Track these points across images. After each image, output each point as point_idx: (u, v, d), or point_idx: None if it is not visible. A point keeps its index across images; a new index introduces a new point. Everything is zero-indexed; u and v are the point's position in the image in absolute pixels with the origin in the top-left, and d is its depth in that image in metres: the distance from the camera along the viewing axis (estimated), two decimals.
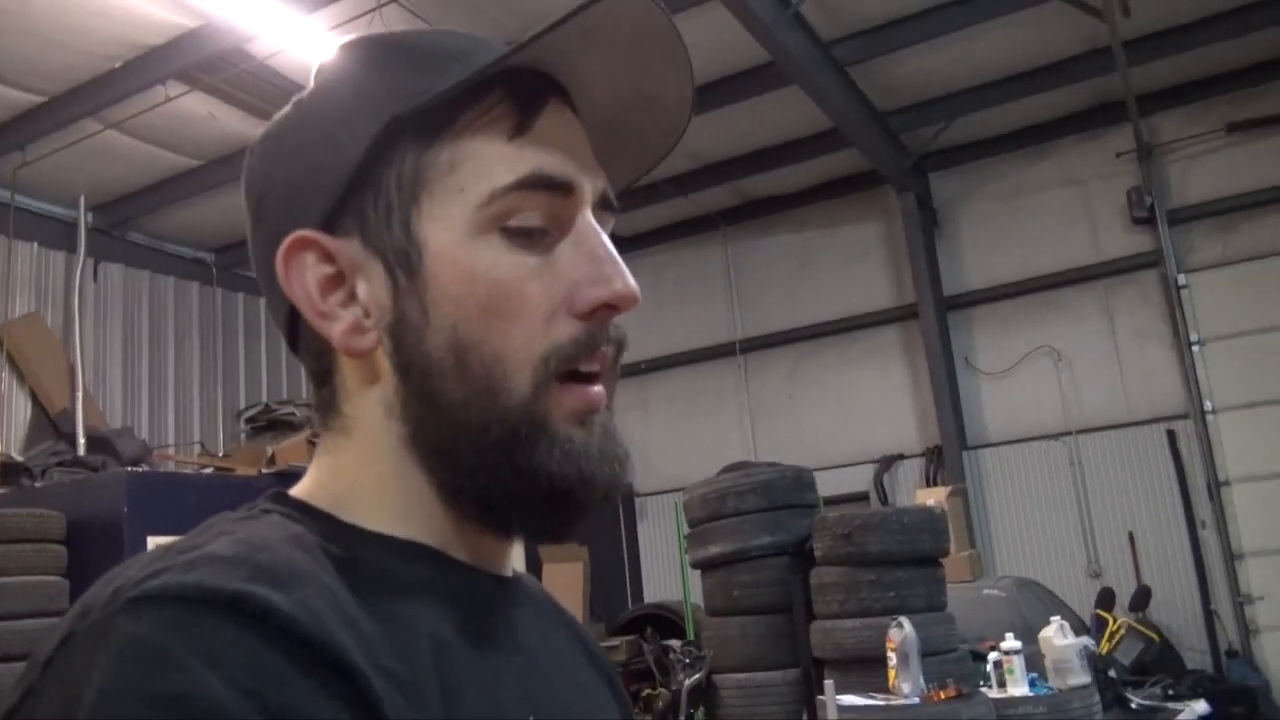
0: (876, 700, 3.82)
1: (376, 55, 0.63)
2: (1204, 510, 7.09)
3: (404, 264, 0.60)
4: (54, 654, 0.46)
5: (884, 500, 8.17)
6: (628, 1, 0.58)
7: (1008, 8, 5.79)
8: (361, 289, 0.61)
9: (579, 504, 0.60)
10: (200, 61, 5.78)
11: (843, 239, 8.77)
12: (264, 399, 8.24)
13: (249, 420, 7.71)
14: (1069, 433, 7.71)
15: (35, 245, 7.23)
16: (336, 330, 0.61)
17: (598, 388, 0.61)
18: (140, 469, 5.70)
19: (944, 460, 8.06)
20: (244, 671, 0.43)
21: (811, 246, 8.87)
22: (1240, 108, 7.00)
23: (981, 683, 4.10)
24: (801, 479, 5.12)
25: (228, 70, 5.89)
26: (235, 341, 8.62)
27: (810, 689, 4.33)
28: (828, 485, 6.57)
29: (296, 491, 0.63)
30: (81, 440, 6.59)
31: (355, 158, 0.60)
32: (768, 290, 9.00)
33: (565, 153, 0.61)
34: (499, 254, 0.59)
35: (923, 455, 8.34)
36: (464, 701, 0.53)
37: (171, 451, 7.51)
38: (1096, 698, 4.06)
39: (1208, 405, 7.03)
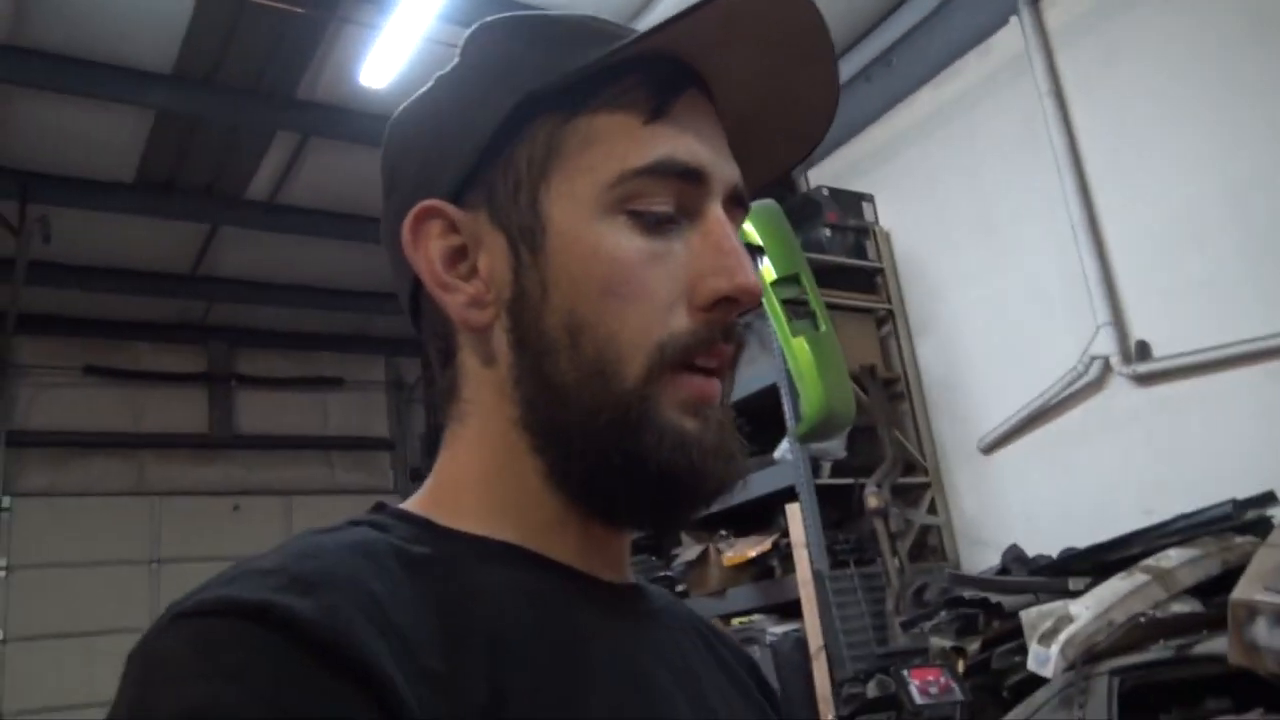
0: None
1: (518, 32, 0.63)
2: None
3: (528, 239, 0.59)
4: (123, 673, 0.47)
5: None
6: None
7: None
8: (484, 263, 0.61)
9: (688, 495, 0.59)
10: None
11: None
12: None
13: None
14: None
15: None
16: (456, 301, 0.61)
17: (714, 380, 0.60)
18: None
19: None
20: (263, 680, 0.43)
21: None
22: (99, 354, 7.53)
23: None
24: None
25: None
26: None
27: None
28: None
29: (409, 500, 0.62)
30: None
31: (489, 130, 0.60)
32: None
33: (700, 141, 0.60)
34: (623, 236, 0.58)
35: None
36: (519, 703, 0.50)
37: None
38: None
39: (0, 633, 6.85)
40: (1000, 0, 4.19)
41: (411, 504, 0.62)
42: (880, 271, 4.66)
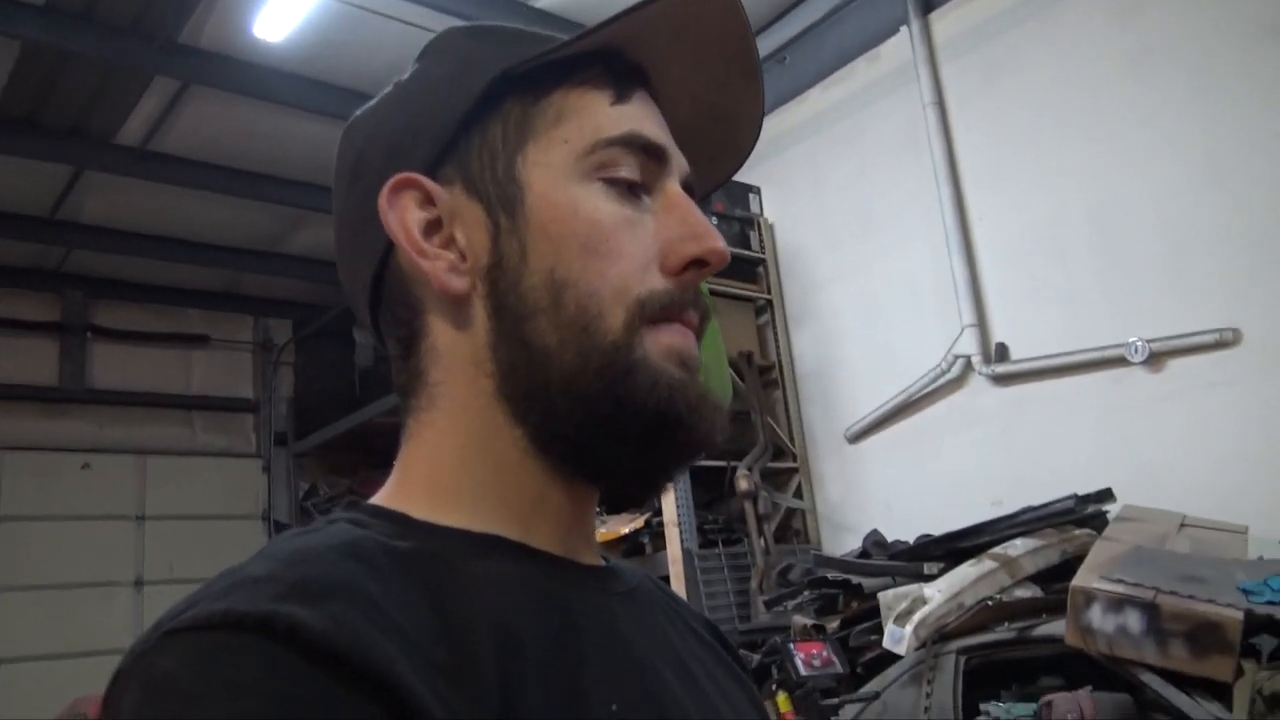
0: None
1: (478, 35, 0.66)
2: None
3: (506, 205, 0.60)
4: (108, 692, 0.45)
5: None
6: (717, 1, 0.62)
7: None
8: (460, 234, 0.61)
9: (684, 440, 0.59)
10: None
11: None
12: None
13: None
14: None
15: None
16: (437, 268, 0.60)
17: (691, 335, 0.62)
18: None
19: None
20: (268, 698, 0.41)
21: None
22: None
23: None
24: None
25: None
26: None
27: None
28: None
29: (377, 495, 0.61)
30: None
31: (463, 108, 0.61)
32: None
33: (660, 128, 0.64)
34: (599, 199, 0.60)
35: None
36: (527, 690, 0.49)
37: None
38: None
39: None
40: (892, 10, 4.36)
41: (381, 498, 0.61)
42: (762, 262, 4.80)
